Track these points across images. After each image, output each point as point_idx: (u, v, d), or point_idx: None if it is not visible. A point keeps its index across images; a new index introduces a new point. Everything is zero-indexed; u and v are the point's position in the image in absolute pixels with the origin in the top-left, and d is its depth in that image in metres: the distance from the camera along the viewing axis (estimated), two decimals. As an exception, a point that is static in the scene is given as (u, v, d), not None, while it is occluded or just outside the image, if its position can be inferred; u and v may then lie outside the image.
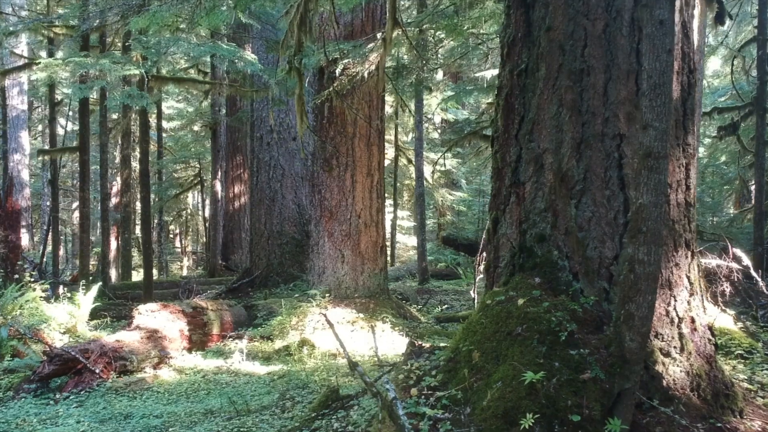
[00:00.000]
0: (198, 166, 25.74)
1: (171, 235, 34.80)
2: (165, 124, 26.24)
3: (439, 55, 9.33)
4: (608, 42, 3.86)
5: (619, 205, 3.85)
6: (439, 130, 27.29)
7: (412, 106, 15.32)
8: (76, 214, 32.65)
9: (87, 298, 8.46)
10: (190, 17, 5.58)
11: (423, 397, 3.68)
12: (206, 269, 22.96)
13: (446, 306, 12.22)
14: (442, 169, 23.23)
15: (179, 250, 33.68)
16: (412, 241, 26.30)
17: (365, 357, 6.85)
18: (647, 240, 3.33)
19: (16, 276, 8.36)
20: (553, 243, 3.90)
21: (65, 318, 8.04)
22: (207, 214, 26.04)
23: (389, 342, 8.11)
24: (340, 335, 8.65)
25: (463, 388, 3.61)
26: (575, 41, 3.90)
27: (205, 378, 6.90)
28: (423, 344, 4.42)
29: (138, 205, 27.85)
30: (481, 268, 6.39)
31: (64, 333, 7.93)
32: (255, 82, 12.33)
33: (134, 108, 18.62)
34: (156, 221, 25.10)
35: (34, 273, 8.66)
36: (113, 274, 19.03)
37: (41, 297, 8.00)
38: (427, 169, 21.22)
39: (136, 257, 25.28)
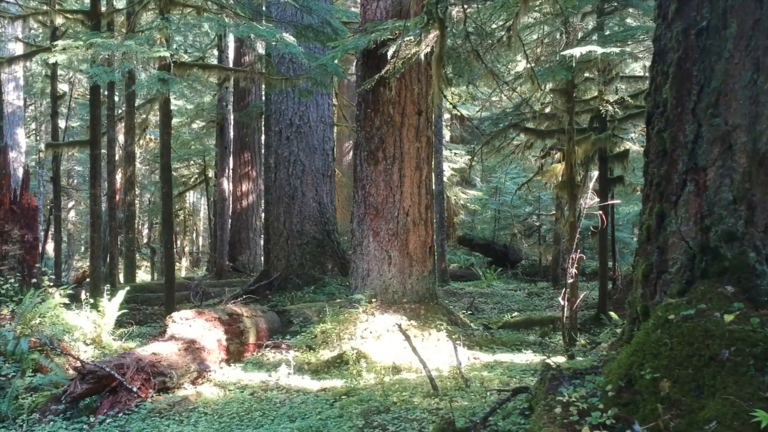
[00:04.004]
0: (203, 163, 24.86)
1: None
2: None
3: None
4: (817, -8, 3.10)
5: (829, 195, 3.10)
6: (449, 127, 26.55)
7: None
8: (72, 213, 31.67)
9: (112, 305, 7.61)
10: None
11: (599, 438, 2.91)
12: (209, 270, 22.11)
13: (505, 311, 11.51)
14: (456, 166, 22.50)
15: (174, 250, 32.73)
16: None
17: (443, 372, 6.06)
18: None
19: (34, 280, 7.52)
20: (748, 243, 3.14)
21: (90, 327, 7.21)
22: (211, 213, 25.16)
23: (447, 353, 7.34)
24: (387, 346, 7.89)
25: (654, 428, 2.84)
26: (775, -9, 3.14)
27: (254, 396, 6.11)
28: (559, 365, 3.65)
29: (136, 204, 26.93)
30: (573, 270, 5.63)
31: (88, 344, 7.09)
32: (280, 70, 11.52)
33: (141, 96, 17.79)
34: (157, 221, 24.23)
35: (52, 277, 7.80)
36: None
37: (62, 304, 7.15)
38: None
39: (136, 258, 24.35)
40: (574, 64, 5.95)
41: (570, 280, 5.65)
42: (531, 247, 21.37)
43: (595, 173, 6.75)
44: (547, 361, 3.78)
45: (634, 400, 3.02)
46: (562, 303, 5.66)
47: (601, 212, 5.92)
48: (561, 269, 16.44)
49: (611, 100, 7.44)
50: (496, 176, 22.94)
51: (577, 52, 5.73)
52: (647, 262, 3.52)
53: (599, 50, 5.77)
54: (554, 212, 17.06)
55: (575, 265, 5.63)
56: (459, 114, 22.26)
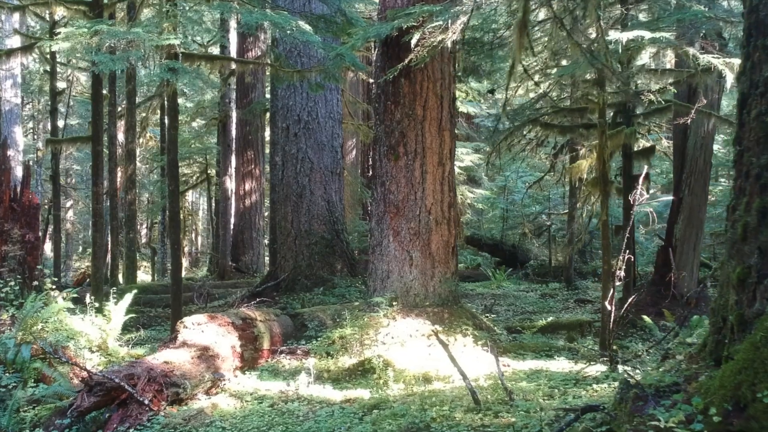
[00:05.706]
0: (204, 162, 24.40)
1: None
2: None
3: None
4: None
5: None
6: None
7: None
8: (71, 213, 31.17)
9: (119, 309, 7.16)
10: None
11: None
12: (211, 270, 21.65)
13: (522, 315, 11.12)
14: (462, 164, 22.06)
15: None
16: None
17: (479, 382, 5.60)
18: None
19: (35, 282, 7.06)
20: None
21: (95, 333, 6.75)
22: (213, 212, 24.71)
23: (473, 359, 6.89)
24: (412, 353, 7.44)
25: (780, 462, 2.40)
26: None
27: (274, 408, 5.67)
28: (639, 381, 3.21)
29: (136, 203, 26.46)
30: (621, 273, 5.21)
31: (94, 351, 6.64)
32: (290, 64, 11.06)
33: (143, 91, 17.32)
34: (159, 220, 23.79)
35: (54, 279, 7.35)
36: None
37: (66, 308, 6.69)
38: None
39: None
40: (620, 50, 5.53)
41: (618, 282, 5.21)
42: (540, 247, 20.95)
43: (645, 168, 6.33)
44: (626, 378, 3.32)
45: (748, 427, 2.58)
46: (608, 307, 5.22)
47: (651, 210, 5.49)
48: (574, 270, 16.02)
49: (653, 90, 7.04)
50: (504, 174, 22.46)
51: (624, 37, 5.30)
52: (743, 265, 3.08)
53: (647, 35, 5.33)
54: (565, 211, 16.62)
55: (622, 267, 5.20)
56: (466, 111, 21.84)
